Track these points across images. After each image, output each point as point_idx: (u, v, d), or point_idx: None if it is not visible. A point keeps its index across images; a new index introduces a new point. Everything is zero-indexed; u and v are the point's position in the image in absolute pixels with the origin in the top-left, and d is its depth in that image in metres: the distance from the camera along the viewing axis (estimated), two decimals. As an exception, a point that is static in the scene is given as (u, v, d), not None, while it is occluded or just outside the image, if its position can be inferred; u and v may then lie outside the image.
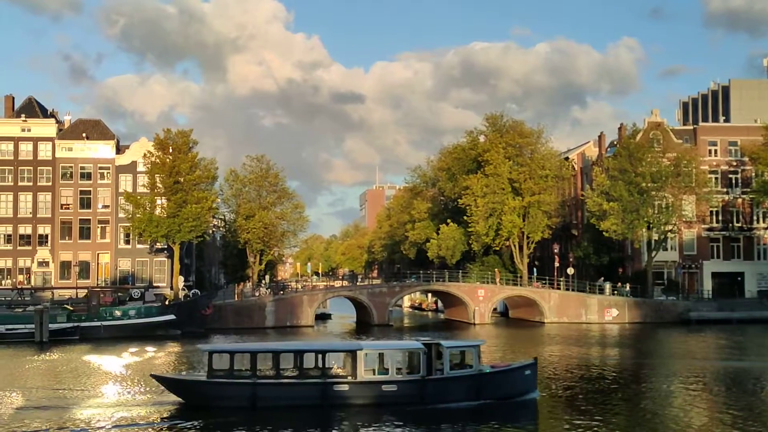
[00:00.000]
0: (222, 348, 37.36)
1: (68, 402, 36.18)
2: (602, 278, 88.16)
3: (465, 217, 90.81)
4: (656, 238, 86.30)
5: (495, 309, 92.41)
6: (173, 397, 34.95)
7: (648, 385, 41.25)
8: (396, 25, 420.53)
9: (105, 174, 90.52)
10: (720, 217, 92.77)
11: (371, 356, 34.44)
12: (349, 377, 33.79)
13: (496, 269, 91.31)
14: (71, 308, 70.65)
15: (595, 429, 30.21)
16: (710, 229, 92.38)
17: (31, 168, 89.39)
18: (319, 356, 34.51)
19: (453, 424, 31.89)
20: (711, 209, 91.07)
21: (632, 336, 72.21)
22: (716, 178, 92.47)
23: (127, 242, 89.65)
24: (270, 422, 31.23)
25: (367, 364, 33.91)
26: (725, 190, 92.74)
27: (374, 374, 33.95)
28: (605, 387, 41.22)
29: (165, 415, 33.08)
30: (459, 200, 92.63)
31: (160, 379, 36.05)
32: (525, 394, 35.33)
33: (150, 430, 30.75)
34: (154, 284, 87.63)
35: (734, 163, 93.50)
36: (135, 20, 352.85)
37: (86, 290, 76.70)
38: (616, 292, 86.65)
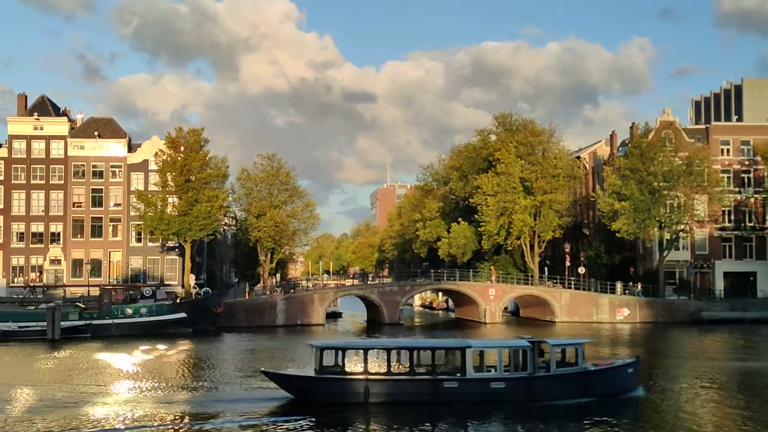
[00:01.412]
0: (333, 344, 37.96)
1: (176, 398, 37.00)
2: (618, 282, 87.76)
3: (476, 216, 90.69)
4: (668, 238, 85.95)
5: (506, 308, 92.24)
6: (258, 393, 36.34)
7: (663, 385, 41.09)
8: (407, 25, 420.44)
9: (117, 172, 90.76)
10: (732, 217, 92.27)
11: (479, 354, 35.25)
12: (458, 374, 34.35)
13: (491, 267, 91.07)
14: (83, 306, 70.87)
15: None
16: (722, 229, 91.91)
17: (44, 166, 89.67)
18: (429, 353, 35.48)
19: (560, 421, 32.38)
20: (723, 209, 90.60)
21: (644, 335, 72.02)
22: (728, 178, 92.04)
23: (139, 240, 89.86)
24: (382, 418, 32.06)
25: (475, 361, 34.66)
26: (737, 189, 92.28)
27: (482, 371, 34.66)
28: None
29: (275, 411, 33.56)
30: (470, 199, 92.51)
31: (270, 375, 36.42)
32: (628, 392, 35.78)
33: (265, 425, 31.18)
34: (166, 282, 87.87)
35: (747, 163, 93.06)
36: (148, 20, 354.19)
37: (98, 288, 76.88)
38: (627, 291, 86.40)
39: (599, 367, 36.23)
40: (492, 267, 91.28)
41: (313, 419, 31.64)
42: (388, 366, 34.45)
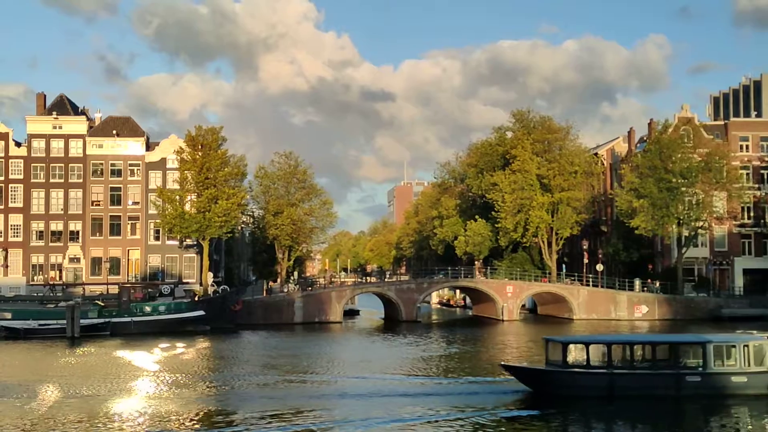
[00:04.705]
0: (577, 339, 38.96)
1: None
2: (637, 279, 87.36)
3: (493, 213, 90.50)
4: (686, 235, 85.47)
5: (523, 305, 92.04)
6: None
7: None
8: (424, 24, 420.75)
9: (135, 171, 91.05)
10: (751, 213, 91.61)
11: (720, 349, 35.40)
12: (700, 368, 34.78)
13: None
14: (102, 304, 71.24)
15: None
16: (741, 225, 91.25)
17: (63, 165, 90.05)
18: (671, 348, 35.87)
19: None
20: (742, 205, 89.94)
21: (663, 333, 71.53)
22: (747, 174, 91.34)
23: (157, 238, 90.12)
24: (628, 411, 32.88)
25: (716, 356, 34.91)
26: (757, 185, 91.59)
27: (723, 366, 34.89)
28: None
29: (514, 405, 34.31)
30: (487, 195, 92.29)
31: (510, 369, 37.25)
32: None
33: (507, 421, 31.79)
34: (184, 280, 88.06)
35: (766, 159, 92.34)
36: (168, 21, 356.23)
37: (117, 286, 77.24)
38: (645, 288, 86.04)
39: None
40: (476, 262, 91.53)
41: (552, 411, 32.89)
42: (632, 360, 35.31)
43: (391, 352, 58.23)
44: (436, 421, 30.88)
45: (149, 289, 77.13)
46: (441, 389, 38.63)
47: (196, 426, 30.96)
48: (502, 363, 38.75)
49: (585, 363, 35.06)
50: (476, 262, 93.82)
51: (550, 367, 35.94)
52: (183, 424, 31.19)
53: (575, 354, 35.51)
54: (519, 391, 36.00)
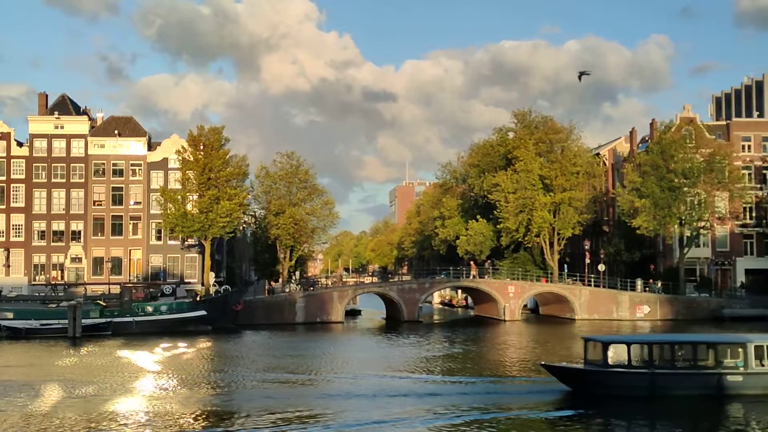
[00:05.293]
0: (618, 339, 39.19)
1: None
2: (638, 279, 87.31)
3: (495, 213, 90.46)
4: (688, 235, 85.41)
5: (525, 305, 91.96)
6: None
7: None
8: (425, 24, 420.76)
9: (137, 171, 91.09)
10: (753, 213, 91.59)
11: (761, 348, 35.42)
12: (741, 368, 34.83)
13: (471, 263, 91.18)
14: (104, 304, 71.22)
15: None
16: (743, 226, 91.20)
17: (64, 165, 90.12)
18: (712, 348, 35.88)
19: None
20: (744, 205, 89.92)
21: (665, 333, 71.48)
22: (749, 174, 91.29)
23: (159, 238, 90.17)
24: (669, 411, 32.93)
25: (757, 356, 34.99)
26: (759, 185, 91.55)
27: (763, 366, 34.96)
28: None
29: (554, 405, 34.52)
30: (489, 196, 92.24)
31: (551, 368, 37.44)
32: None
33: (549, 421, 32.11)
34: (186, 280, 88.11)
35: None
36: (170, 21, 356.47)
37: (118, 286, 77.23)
38: (647, 288, 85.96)
39: None
40: (471, 263, 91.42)
41: (591, 411, 33.22)
42: (673, 360, 35.45)
43: (401, 351, 58.06)
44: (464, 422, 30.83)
45: (151, 289, 77.08)
46: (463, 389, 38.74)
47: (199, 426, 30.91)
48: (543, 363, 39.03)
49: (626, 363, 35.19)
50: (471, 263, 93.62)
51: (589, 366, 36.14)
52: (185, 423, 31.15)
53: (616, 354, 35.58)
54: (555, 390, 36.18)
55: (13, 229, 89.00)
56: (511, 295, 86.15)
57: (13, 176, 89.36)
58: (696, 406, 33.52)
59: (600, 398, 34.57)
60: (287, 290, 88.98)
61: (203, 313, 71.94)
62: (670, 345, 36.37)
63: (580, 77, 72.88)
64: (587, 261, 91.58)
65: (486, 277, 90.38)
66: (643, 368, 34.96)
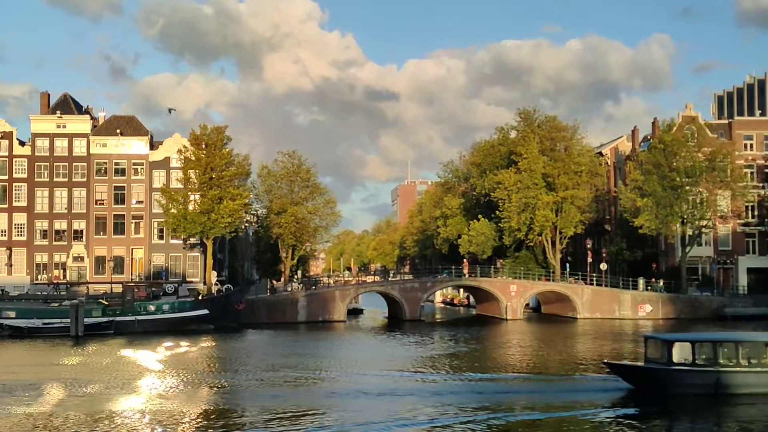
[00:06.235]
0: (682, 337, 39.08)
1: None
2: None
3: (497, 212, 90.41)
4: (690, 234, 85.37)
5: (527, 304, 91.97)
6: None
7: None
8: (428, 23, 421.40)
9: (139, 170, 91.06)
10: (756, 212, 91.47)
11: None
12: None
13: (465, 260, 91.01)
14: (106, 303, 71.33)
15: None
16: (746, 224, 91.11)
17: (66, 164, 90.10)
18: None
19: None
20: (746, 204, 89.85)
21: (668, 332, 71.40)
22: (752, 173, 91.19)
23: (161, 237, 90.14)
24: (734, 409, 33.04)
25: None
26: (761, 184, 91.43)
27: None
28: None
29: (612, 403, 34.54)
30: (491, 194, 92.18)
31: (614, 366, 37.55)
32: None
33: (613, 417, 32.01)
34: (188, 279, 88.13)
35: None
36: (173, 21, 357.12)
37: (121, 285, 77.28)
38: (649, 287, 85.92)
39: None
40: (464, 261, 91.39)
41: (656, 409, 33.36)
42: (737, 358, 35.31)
43: (405, 350, 57.97)
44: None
45: (153, 288, 77.16)
46: (471, 387, 38.96)
47: (201, 425, 30.82)
48: (605, 361, 39.24)
49: (691, 361, 35.07)
50: (464, 261, 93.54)
51: (651, 365, 36.13)
52: (187, 422, 31.11)
53: (680, 352, 35.45)
54: (619, 389, 36.23)
55: (15, 228, 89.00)
56: (513, 294, 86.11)
57: (15, 175, 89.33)
58: (761, 405, 33.45)
59: (663, 397, 34.52)
60: (289, 289, 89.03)
61: (205, 312, 71.99)
62: (735, 343, 36.10)
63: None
64: (589, 260, 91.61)
65: (492, 275, 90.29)
66: (708, 366, 34.89)
